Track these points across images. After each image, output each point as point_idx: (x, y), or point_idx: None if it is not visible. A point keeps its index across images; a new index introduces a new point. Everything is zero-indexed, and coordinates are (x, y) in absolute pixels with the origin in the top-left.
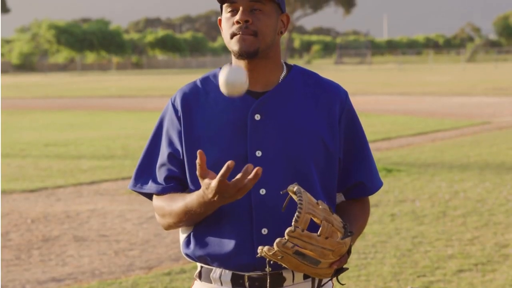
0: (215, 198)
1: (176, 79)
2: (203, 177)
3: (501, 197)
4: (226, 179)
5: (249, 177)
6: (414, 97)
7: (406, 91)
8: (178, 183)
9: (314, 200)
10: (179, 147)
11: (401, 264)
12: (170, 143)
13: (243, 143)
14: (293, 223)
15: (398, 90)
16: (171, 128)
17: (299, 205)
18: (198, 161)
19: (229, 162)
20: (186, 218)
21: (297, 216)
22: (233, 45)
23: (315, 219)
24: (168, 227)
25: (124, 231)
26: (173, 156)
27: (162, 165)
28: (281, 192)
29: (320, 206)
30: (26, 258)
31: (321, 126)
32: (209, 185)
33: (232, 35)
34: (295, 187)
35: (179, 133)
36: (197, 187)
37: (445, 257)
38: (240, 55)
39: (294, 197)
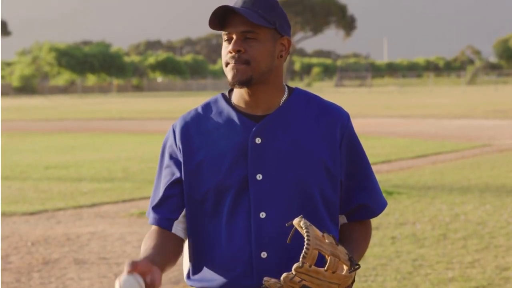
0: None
1: (176, 102)
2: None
3: (502, 220)
4: None
5: None
6: (415, 120)
7: (406, 114)
8: (165, 211)
9: (320, 233)
10: (178, 174)
11: (402, 287)
12: (170, 171)
13: (244, 167)
14: (300, 259)
15: (399, 113)
16: (173, 156)
17: (306, 241)
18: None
19: None
20: None
21: (305, 252)
22: (227, 73)
23: (322, 253)
24: None
25: (124, 253)
26: (172, 182)
27: (157, 191)
28: (286, 225)
29: (326, 240)
30: (26, 281)
31: (322, 148)
32: None
33: (226, 64)
34: (301, 221)
35: (179, 161)
36: (192, 217)
37: (445, 280)
38: (233, 84)
39: (300, 230)
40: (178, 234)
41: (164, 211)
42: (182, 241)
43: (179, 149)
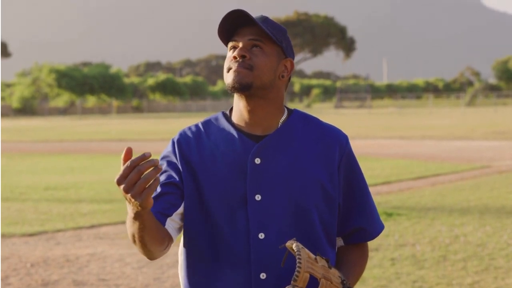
0: (117, 182)
1: (176, 123)
2: None
3: (502, 241)
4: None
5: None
6: (414, 141)
7: (406, 135)
8: (161, 204)
9: (313, 256)
10: (176, 179)
11: None
12: (167, 175)
13: (243, 186)
14: (292, 282)
15: (398, 134)
16: (172, 165)
17: (298, 263)
18: (122, 156)
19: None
20: (129, 231)
21: (296, 275)
22: (228, 78)
23: (314, 276)
24: (142, 253)
25: (123, 275)
26: (169, 183)
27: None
28: (279, 247)
29: (318, 263)
30: None
31: (321, 171)
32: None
33: (228, 69)
34: (293, 244)
35: (178, 169)
36: (189, 234)
37: None
38: (233, 87)
39: (293, 253)
40: (169, 230)
41: (158, 206)
42: (171, 239)
43: (179, 161)
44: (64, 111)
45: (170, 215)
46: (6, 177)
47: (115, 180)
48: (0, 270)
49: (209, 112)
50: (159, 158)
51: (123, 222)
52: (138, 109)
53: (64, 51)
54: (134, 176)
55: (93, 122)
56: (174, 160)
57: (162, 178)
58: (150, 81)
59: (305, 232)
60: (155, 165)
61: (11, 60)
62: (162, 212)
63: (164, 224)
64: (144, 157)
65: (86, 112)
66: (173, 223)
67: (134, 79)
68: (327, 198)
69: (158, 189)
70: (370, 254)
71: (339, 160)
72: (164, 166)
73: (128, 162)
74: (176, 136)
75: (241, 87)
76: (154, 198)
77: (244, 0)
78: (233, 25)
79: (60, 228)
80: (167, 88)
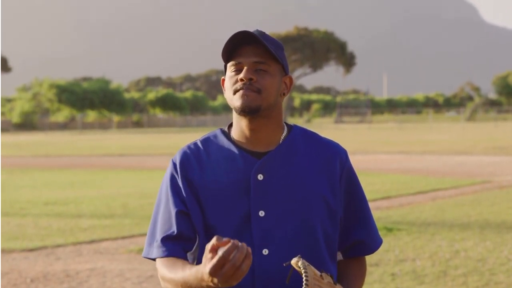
0: (210, 274)
1: (176, 138)
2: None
3: (502, 257)
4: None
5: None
6: (414, 156)
7: (406, 150)
8: (182, 243)
9: (318, 273)
10: (183, 207)
11: None
12: (175, 201)
13: (246, 203)
14: None
15: (398, 149)
16: (176, 187)
17: (305, 281)
18: (213, 243)
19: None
20: None
21: None
22: (236, 101)
23: None
24: None
25: None
26: (181, 213)
27: (167, 224)
28: (284, 264)
29: (324, 280)
30: None
31: (323, 185)
32: (209, 260)
33: (235, 91)
34: (299, 261)
35: (182, 194)
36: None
37: None
38: (242, 110)
39: (298, 270)
40: (189, 261)
41: (179, 245)
42: None
43: (181, 183)
44: (64, 126)
45: (190, 250)
46: (6, 192)
47: (208, 271)
48: (0, 286)
49: (209, 127)
50: (163, 177)
51: (123, 237)
52: (138, 124)
53: (65, 67)
54: (230, 270)
55: (93, 137)
56: (177, 183)
57: (174, 210)
58: (150, 96)
59: (309, 247)
60: (246, 252)
61: (11, 75)
62: (184, 249)
63: (186, 258)
64: (234, 245)
65: (86, 127)
66: (191, 256)
67: (135, 94)
68: (330, 212)
69: (175, 229)
70: (370, 269)
71: (340, 175)
72: (169, 193)
73: (221, 253)
74: (175, 157)
75: (250, 110)
76: (174, 237)
77: (243, 15)
78: (235, 45)
79: (60, 243)
80: (167, 103)
